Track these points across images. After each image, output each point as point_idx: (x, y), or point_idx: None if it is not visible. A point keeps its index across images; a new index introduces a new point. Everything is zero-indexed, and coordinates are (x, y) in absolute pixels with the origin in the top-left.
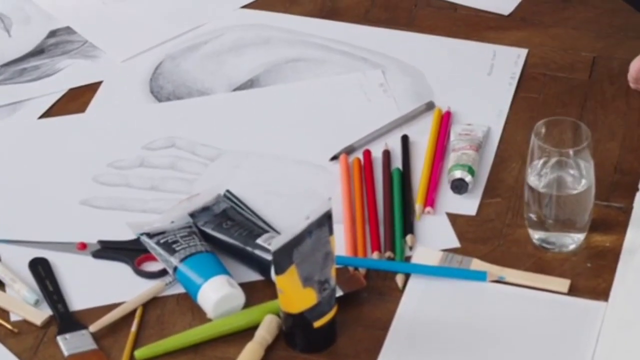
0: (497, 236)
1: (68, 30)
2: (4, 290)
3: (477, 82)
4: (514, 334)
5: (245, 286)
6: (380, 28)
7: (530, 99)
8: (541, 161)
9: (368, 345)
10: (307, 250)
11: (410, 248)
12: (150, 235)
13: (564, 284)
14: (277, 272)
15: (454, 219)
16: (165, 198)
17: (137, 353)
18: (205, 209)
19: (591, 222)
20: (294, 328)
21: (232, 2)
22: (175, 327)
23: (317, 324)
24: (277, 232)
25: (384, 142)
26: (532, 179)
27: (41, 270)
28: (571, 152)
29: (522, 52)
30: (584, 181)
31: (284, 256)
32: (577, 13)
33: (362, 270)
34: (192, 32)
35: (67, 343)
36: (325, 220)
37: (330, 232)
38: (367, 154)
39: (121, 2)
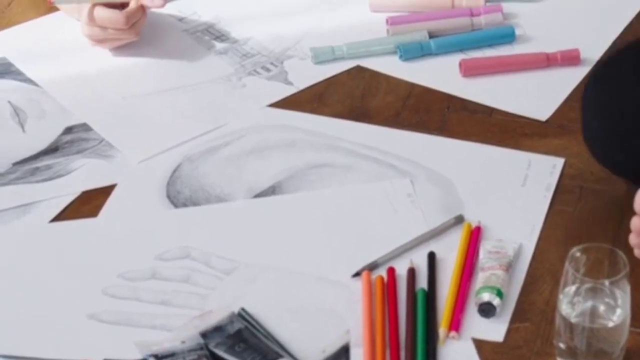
0: None
1: (84, 127)
2: None
3: (510, 194)
4: None
5: None
6: (411, 132)
7: (565, 212)
8: (574, 287)
9: None
10: None
11: None
12: (158, 358)
13: None
14: None
15: (479, 345)
16: (176, 314)
17: None
18: (218, 329)
19: (625, 352)
20: None
21: (258, 100)
22: None
23: None
24: (293, 356)
25: (409, 257)
26: (564, 308)
27: None
28: (607, 282)
29: (559, 162)
30: (619, 311)
31: None
32: None
33: None
34: (213, 132)
35: None
36: (342, 354)
37: None
38: (391, 271)
39: (141, 98)
